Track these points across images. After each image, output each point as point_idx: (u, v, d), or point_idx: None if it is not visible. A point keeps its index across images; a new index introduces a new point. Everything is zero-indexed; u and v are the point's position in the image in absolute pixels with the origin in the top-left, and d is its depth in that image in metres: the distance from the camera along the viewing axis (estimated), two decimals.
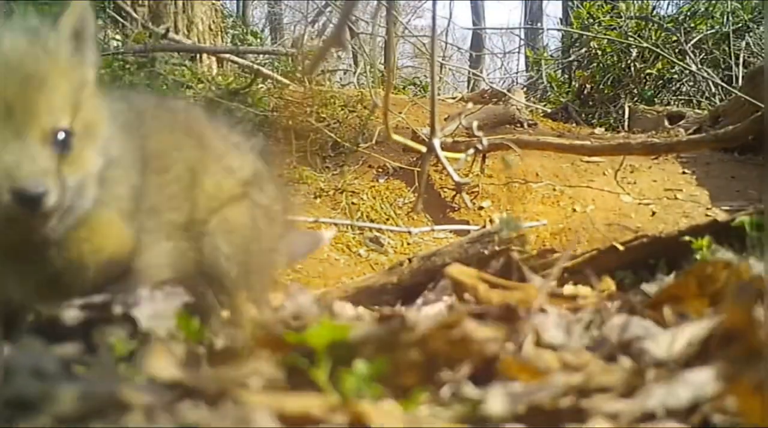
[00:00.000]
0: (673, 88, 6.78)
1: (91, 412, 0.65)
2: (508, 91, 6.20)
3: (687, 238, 1.48)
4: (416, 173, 4.04)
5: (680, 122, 5.33)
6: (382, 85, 4.80)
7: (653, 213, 3.89)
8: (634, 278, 1.55)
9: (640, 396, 0.67)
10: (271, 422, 0.64)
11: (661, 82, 6.76)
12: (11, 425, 0.65)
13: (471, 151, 3.59)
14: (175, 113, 1.41)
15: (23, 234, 1.06)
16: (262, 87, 5.40)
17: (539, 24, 13.88)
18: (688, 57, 6.22)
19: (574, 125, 5.97)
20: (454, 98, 6.61)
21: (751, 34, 6.47)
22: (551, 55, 8.67)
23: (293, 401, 0.68)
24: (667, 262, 1.55)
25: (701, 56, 6.49)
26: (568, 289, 1.43)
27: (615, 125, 6.20)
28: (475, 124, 3.87)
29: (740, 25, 6.48)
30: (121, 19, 5.38)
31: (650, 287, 1.22)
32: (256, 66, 5.70)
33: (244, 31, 8.13)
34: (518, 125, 5.20)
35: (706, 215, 3.64)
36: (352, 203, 4.03)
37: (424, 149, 1.78)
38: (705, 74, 6.25)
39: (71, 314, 1.21)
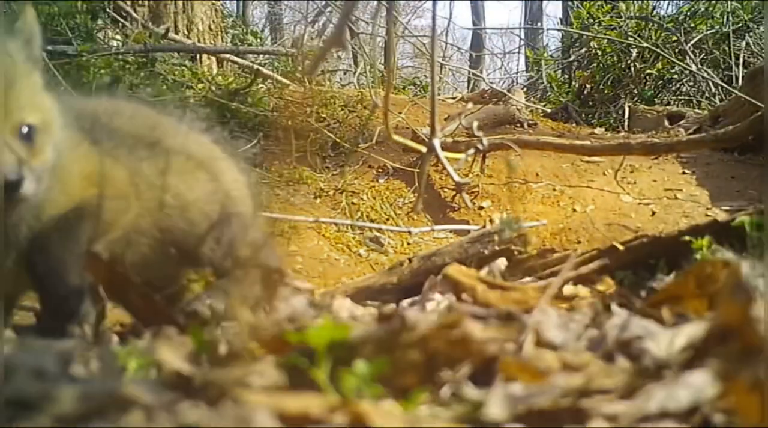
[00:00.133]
0: (673, 88, 6.77)
1: (91, 412, 0.65)
2: (508, 91, 6.19)
3: (687, 238, 1.48)
4: (416, 173, 4.04)
5: (680, 122, 5.33)
6: (382, 85, 4.79)
7: (653, 213, 3.88)
8: (634, 278, 1.55)
9: (640, 398, 0.68)
10: (271, 422, 0.64)
11: (661, 82, 6.75)
12: (11, 425, 0.65)
13: (471, 151, 3.58)
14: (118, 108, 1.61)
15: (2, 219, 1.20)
16: (262, 87, 5.39)
17: (539, 24, 13.88)
18: (688, 57, 6.21)
19: (574, 125, 5.96)
20: (454, 98, 6.60)
21: (751, 34, 6.46)
22: (551, 56, 8.66)
23: (293, 401, 0.68)
24: (667, 262, 1.54)
25: (701, 56, 6.48)
26: (568, 289, 1.43)
27: (615, 125, 6.19)
28: (475, 124, 3.86)
29: (740, 25, 6.47)
30: (121, 19, 5.38)
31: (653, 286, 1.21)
32: (256, 66, 5.69)
33: (244, 31, 8.13)
34: (518, 125, 5.20)
35: (706, 215, 3.64)
36: (352, 203, 4.03)
37: (424, 149, 1.78)
38: (705, 74, 6.25)
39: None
